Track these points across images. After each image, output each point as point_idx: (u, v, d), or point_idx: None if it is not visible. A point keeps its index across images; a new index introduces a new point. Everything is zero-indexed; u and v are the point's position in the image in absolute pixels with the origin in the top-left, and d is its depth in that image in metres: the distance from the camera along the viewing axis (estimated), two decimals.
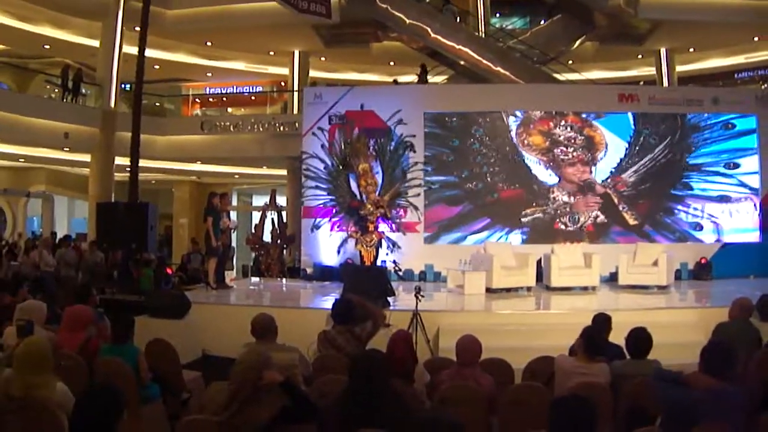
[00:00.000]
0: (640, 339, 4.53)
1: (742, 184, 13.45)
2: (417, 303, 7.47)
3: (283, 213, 15.71)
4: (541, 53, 17.65)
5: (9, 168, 20.69)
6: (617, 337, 4.99)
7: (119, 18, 16.88)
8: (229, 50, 20.14)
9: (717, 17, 16.51)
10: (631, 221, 13.32)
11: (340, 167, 13.07)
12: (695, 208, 13.39)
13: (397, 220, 12.88)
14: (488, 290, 10.33)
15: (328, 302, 8.12)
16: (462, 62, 17.09)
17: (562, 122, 13.50)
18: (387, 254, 12.61)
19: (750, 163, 13.48)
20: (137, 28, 13.52)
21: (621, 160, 13.42)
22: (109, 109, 16.97)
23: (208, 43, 19.49)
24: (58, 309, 6.63)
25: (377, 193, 12.53)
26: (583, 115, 13.56)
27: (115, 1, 16.79)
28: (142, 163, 13.71)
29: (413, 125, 13.24)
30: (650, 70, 20.67)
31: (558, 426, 2.81)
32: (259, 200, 22.03)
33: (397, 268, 12.62)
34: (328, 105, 13.52)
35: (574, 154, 13.44)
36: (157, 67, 19.22)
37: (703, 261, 12.77)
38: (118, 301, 10.14)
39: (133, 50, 13.80)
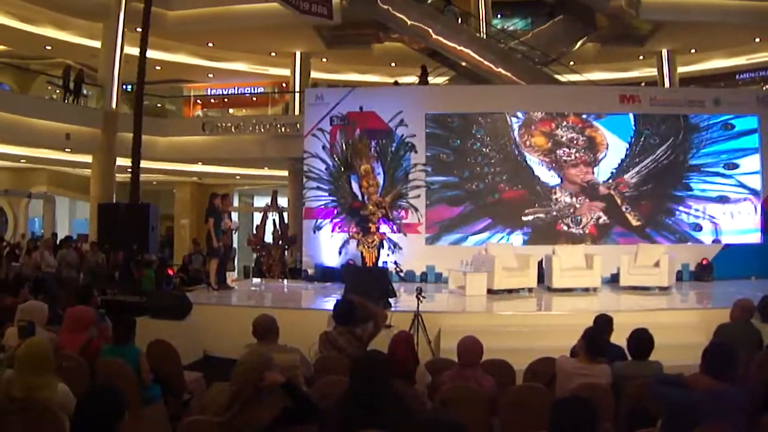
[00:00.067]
0: (641, 340, 4.53)
1: (741, 185, 13.45)
2: (418, 304, 7.48)
3: (285, 214, 15.71)
4: (542, 54, 17.65)
5: (10, 169, 20.70)
6: (619, 338, 4.99)
7: (120, 19, 16.90)
8: (230, 51, 20.15)
9: (718, 18, 16.51)
10: (634, 222, 13.33)
11: (342, 168, 13.08)
12: (696, 209, 13.39)
13: (398, 221, 12.88)
14: (489, 291, 10.32)
15: (329, 303, 8.11)
16: (463, 63, 17.09)
17: (564, 123, 13.50)
18: (388, 255, 12.63)
19: (749, 164, 13.48)
20: (138, 29, 13.54)
21: (622, 160, 13.42)
22: (111, 110, 16.98)
23: (210, 44, 19.50)
24: (60, 310, 6.64)
25: (378, 194, 12.54)
26: (584, 116, 13.57)
27: (117, 2, 16.81)
28: (144, 164, 13.74)
29: (414, 126, 13.25)
30: (651, 72, 20.67)
31: (559, 427, 2.80)
32: (261, 201, 22.05)
33: (398, 269, 12.61)
34: (330, 106, 13.53)
35: (577, 155, 13.45)
36: (158, 68, 19.24)
37: (704, 262, 12.77)
38: (119, 302, 10.13)
39: (135, 51, 13.82)
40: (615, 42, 18.81)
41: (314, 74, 21.06)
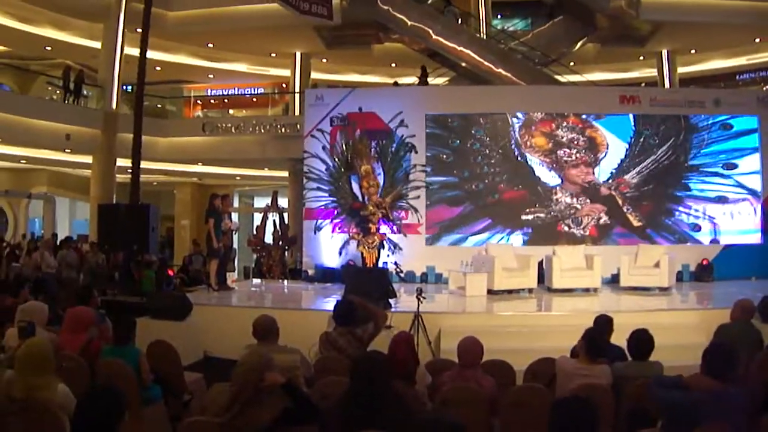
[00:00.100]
0: (641, 341, 4.53)
1: (740, 185, 13.46)
2: (418, 304, 7.48)
3: (285, 214, 15.71)
4: (542, 55, 17.65)
5: (10, 169, 20.70)
6: (619, 338, 4.99)
7: (121, 19, 16.90)
8: (230, 52, 20.15)
9: (718, 19, 16.51)
10: (635, 223, 13.33)
11: (342, 169, 13.08)
12: (695, 210, 13.39)
13: (398, 222, 12.88)
14: (490, 292, 10.32)
15: (329, 304, 8.11)
16: (463, 64, 17.09)
17: (564, 124, 13.51)
18: (388, 256, 12.63)
19: (747, 164, 13.49)
20: (139, 30, 13.54)
21: (621, 161, 13.43)
22: (111, 110, 16.99)
23: (210, 45, 19.51)
24: (60, 310, 6.64)
25: (379, 194, 12.54)
26: (584, 116, 13.57)
27: (117, 2, 16.82)
28: (144, 164, 13.73)
29: (414, 127, 13.25)
30: (652, 72, 20.67)
31: (559, 428, 2.80)
32: (261, 202, 22.05)
33: (398, 270, 12.62)
34: (330, 107, 13.54)
35: (577, 155, 13.45)
36: (158, 68, 19.24)
37: (704, 262, 12.77)
38: (119, 302, 10.13)
39: (135, 52, 13.82)
40: (615, 42, 18.81)
41: (314, 75, 21.06)
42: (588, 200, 13.37)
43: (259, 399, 3.35)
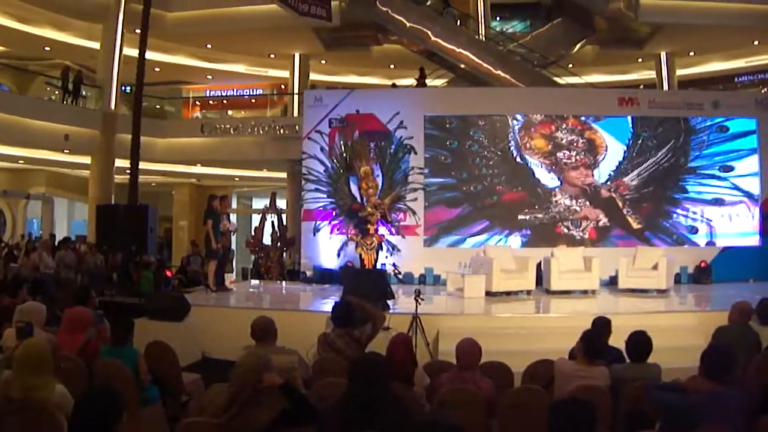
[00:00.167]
0: (639, 342, 4.53)
1: (736, 188, 13.47)
2: (417, 306, 7.48)
3: (283, 216, 15.71)
4: (541, 57, 17.65)
5: (9, 170, 20.69)
6: (617, 340, 4.99)
7: (120, 20, 16.90)
8: (229, 53, 20.15)
9: (717, 21, 16.52)
10: (635, 225, 13.34)
11: (341, 170, 13.08)
12: (693, 212, 13.41)
13: (397, 224, 12.88)
14: (488, 293, 10.33)
15: (327, 305, 8.11)
16: (462, 65, 17.10)
17: (563, 125, 13.52)
18: (387, 257, 12.63)
19: (744, 166, 13.50)
20: (137, 31, 13.51)
21: (619, 163, 13.45)
22: (110, 111, 16.97)
23: (209, 46, 19.50)
24: (58, 311, 6.63)
25: (377, 196, 12.54)
26: (582, 118, 13.58)
27: (116, 3, 16.81)
28: (142, 165, 13.72)
29: (413, 128, 13.25)
30: (650, 74, 20.68)
31: (557, 429, 2.81)
32: (259, 203, 22.05)
33: (396, 271, 12.62)
34: (328, 108, 13.54)
35: (577, 157, 13.46)
36: (157, 69, 19.23)
37: (702, 265, 12.78)
38: (117, 303, 10.11)
39: (134, 52, 13.80)
40: (614, 44, 18.82)
41: (313, 76, 21.06)
42: (587, 202, 13.38)
43: (257, 400, 3.35)
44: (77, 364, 4.64)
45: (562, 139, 13.50)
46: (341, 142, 13.20)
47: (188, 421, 3.52)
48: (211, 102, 25.23)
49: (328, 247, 13.08)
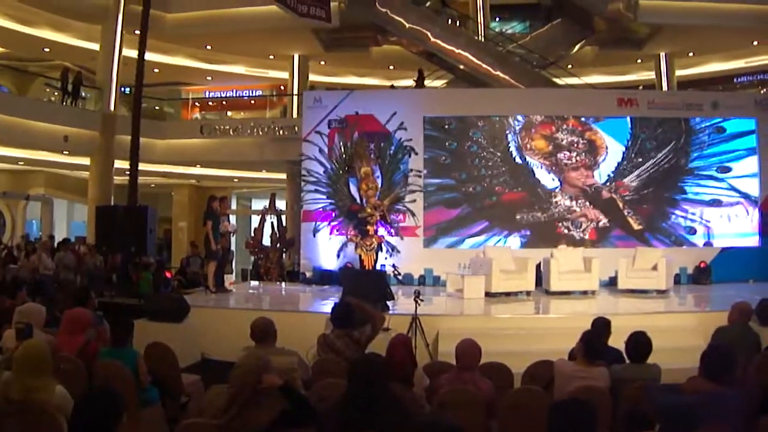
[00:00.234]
0: (639, 343, 4.53)
1: (733, 188, 13.47)
2: (416, 307, 7.47)
3: (283, 217, 15.71)
4: (540, 57, 17.67)
5: (8, 171, 20.70)
6: (617, 341, 4.99)
7: (119, 21, 16.91)
8: (228, 54, 20.16)
9: (716, 22, 16.54)
10: (636, 225, 13.33)
11: (341, 171, 13.07)
12: (692, 213, 13.41)
13: (396, 225, 12.88)
14: (487, 294, 10.32)
15: (327, 306, 8.11)
16: (462, 66, 17.10)
17: (564, 126, 13.52)
18: (386, 258, 12.62)
19: (741, 167, 13.50)
20: (137, 32, 13.53)
21: (618, 163, 13.45)
22: (109, 112, 16.98)
23: (208, 47, 19.51)
24: (57, 312, 6.63)
25: (377, 197, 12.54)
26: (582, 119, 13.59)
27: (115, 4, 16.82)
28: (142, 166, 13.73)
29: (413, 129, 13.24)
30: (650, 75, 20.71)
31: (557, 430, 2.80)
32: (259, 204, 22.02)
33: (396, 272, 12.62)
34: (328, 109, 13.54)
35: (578, 158, 13.46)
36: (156, 70, 19.24)
37: (702, 265, 12.78)
38: (117, 304, 10.11)
39: (133, 53, 13.82)
40: (613, 45, 18.85)
41: (312, 77, 21.08)
42: (588, 203, 13.38)
43: (257, 401, 3.34)
44: (77, 366, 4.64)
45: (562, 140, 13.50)
46: (341, 143, 13.19)
47: (188, 422, 3.51)
48: (210, 103, 25.25)
49: (327, 248, 13.08)
